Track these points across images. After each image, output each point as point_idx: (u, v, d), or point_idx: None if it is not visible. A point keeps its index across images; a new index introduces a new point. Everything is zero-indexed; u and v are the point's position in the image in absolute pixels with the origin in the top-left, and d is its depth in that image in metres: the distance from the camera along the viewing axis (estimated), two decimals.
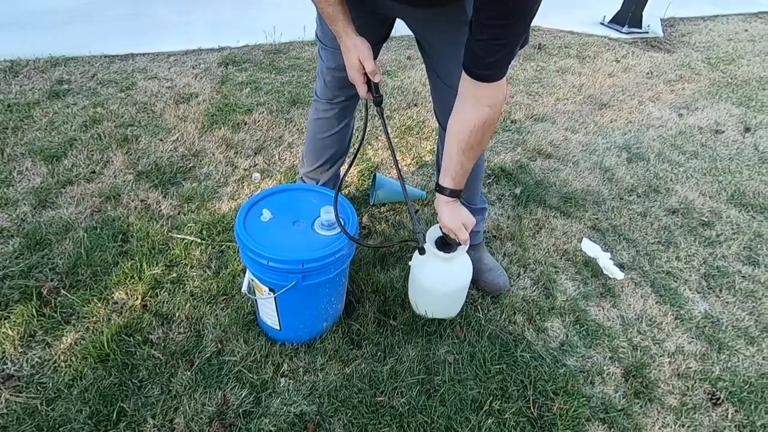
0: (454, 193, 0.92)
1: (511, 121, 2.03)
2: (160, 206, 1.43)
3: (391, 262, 1.30)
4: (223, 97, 1.97)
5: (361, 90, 0.92)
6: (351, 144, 1.33)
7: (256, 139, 1.75)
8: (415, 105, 2.06)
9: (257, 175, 1.59)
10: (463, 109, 0.84)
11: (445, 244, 1.00)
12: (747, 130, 2.14)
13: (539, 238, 1.44)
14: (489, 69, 0.77)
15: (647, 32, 3.13)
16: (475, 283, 1.23)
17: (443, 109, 1.04)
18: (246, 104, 1.94)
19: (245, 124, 1.83)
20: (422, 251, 0.98)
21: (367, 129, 1.86)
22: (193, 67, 2.19)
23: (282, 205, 1.02)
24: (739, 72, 2.68)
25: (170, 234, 1.32)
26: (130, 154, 1.62)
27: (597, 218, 1.54)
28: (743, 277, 1.37)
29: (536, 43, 2.76)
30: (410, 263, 1.09)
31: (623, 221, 1.53)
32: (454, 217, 0.93)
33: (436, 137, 1.86)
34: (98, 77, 2.06)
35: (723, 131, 2.11)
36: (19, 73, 2.03)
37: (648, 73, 2.59)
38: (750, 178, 1.81)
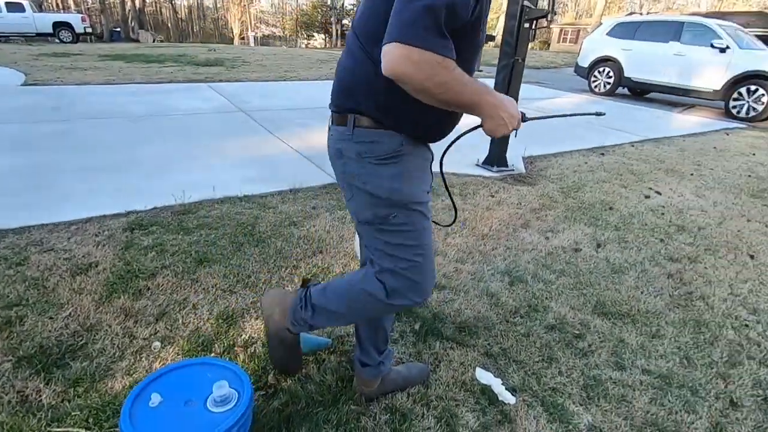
0: None
1: None
2: (40, 396, 1.31)
3: (296, 422, 1.29)
4: (126, 263, 1.98)
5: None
6: None
7: (159, 305, 1.75)
8: (320, 252, 2.23)
9: (157, 344, 1.55)
10: None
11: None
12: (599, 246, 2.60)
13: (439, 372, 1.53)
14: None
15: (513, 170, 3.82)
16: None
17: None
18: (150, 268, 1.96)
19: (148, 289, 1.83)
20: None
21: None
22: (96, 235, 2.21)
23: (174, 385, 1.03)
24: (585, 197, 3.32)
25: (48, 429, 1.21)
26: (12, 339, 1.52)
27: (488, 344, 1.70)
28: (614, 383, 1.56)
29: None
30: None
31: (511, 344, 1.71)
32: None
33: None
34: None
35: (581, 249, 2.53)
36: None
37: (517, 204, 3.10)
38: (607, 288, 2.15)
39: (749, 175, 4.24)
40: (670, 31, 8.22)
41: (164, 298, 1.79)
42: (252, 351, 1.56)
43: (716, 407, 1.50)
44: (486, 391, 1.46)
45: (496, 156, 3.81)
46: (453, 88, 0.82)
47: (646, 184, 3.74)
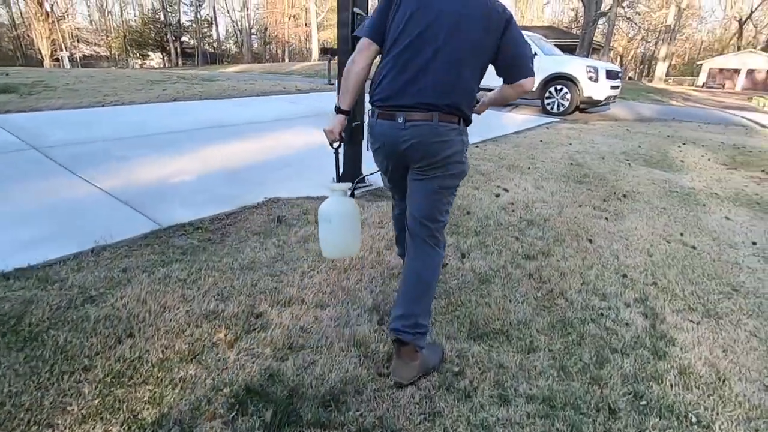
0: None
1: (256, 316, 1.83)
2: None
3: None
4: None
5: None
6: None
7: None
8: (130, 336, 1.64)
9: None
10: None
11: None
12: (463, 256, 2.51)
13: None
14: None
15: (371, 185, 3.63)
16: None
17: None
18: None
19: None
20: None
21: None
22: None
23: None
24: None
25: None
26: None
27: (361, 415, 1.37)
28: (503, 425, 1.37)
29: (275, 217, 2.81)
30: None
31: (387, 407, 1.41)
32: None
33: (177, 361, 1.47)
34: None
35: (447, 263, 2.40)
36: None
37: (379, 223, 2.89)
38: (478, 304, 2.03)
39: (571, 163, 4.81)
40: None
41: None
42: None
43: (599, 421, 1.42)
44: None
45: (350, 173, 3.57)
46: None
47: (494, 182, 3.91)
